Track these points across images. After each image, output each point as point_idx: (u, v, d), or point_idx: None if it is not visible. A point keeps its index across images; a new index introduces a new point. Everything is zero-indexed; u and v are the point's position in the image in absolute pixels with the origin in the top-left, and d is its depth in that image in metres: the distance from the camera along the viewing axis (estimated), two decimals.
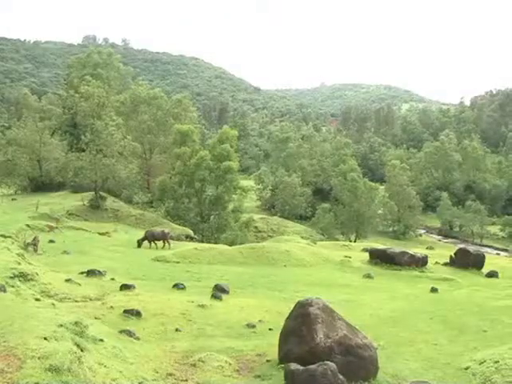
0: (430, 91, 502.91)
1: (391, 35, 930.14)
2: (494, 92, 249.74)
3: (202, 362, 13.29)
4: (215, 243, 53.99)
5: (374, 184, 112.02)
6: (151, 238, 41.80)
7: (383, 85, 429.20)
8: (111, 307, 17.96)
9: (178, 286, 23.17)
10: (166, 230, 44.56)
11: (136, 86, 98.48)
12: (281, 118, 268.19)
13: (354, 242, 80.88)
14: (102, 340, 12.56)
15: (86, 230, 49.25)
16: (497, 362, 13.81)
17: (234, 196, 73.64)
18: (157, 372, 12.43)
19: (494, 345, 15.91)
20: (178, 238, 51.56)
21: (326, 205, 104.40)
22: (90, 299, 19.63)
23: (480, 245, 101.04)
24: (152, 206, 76.97)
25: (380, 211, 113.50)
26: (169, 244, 41.73)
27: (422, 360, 14.96)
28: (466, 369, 14.21)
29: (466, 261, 37.42)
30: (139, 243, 41.12)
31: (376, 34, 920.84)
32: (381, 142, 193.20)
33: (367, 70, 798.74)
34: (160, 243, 41.83)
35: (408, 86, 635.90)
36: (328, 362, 11.58)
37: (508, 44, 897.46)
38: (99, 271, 24.44)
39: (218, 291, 22.34)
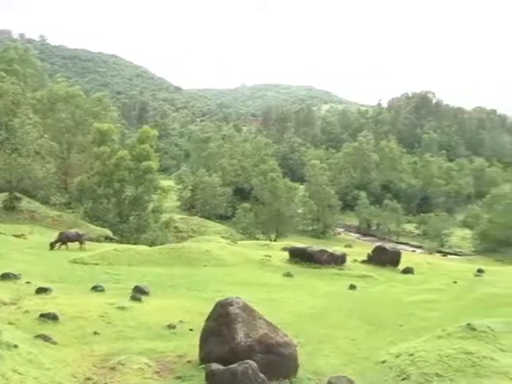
0: (349, 93, 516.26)
1: (311, 37, 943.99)
2: (410, 95, 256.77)
3: (122, 364, 13.07)
4: (135, 244, 53.20)
5: (293, 184, 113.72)
6: (65, 239, 40.67)
7: (303, 86, 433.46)
8: (26, 311, 17.37)
9: (96, 288, 22.67)
10: (81, 232, 43.62)
11: (53, 83, 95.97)
12: (202, 118, 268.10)
13: (275, 241, 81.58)
14: (16, 346, 12.15)
15: (0, 232, 47.62)
16: (412, 354, 14.22)
17: (153, 196, 73.01)
18: (75, 377, 12.15)
19: (409, 338, 16.39)
20: (97, 240, 50.63)
21: (247, 204, 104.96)
22: (4, 304, 18.89)
23: (396, 242, 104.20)
24: (70, 207, 75.22)
25: (300, 210, 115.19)
26: (84, 245, 40.87)
27: (341, 355, 15.22)
28: (383, 362, 14.54)
29: (383, 258, 38.60)
30: (52, 245, 39.89)
31: (296, 35, 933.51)
32: (301, 142, 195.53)
33: (288, 71, 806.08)
34: (75, 245, 40.82)
35: (328, 87, 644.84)
36: (249, 361, 11.60)
37: (424, 48, 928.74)
38: (14, 274, 23.57)
39: (138, 293, 22.01)
